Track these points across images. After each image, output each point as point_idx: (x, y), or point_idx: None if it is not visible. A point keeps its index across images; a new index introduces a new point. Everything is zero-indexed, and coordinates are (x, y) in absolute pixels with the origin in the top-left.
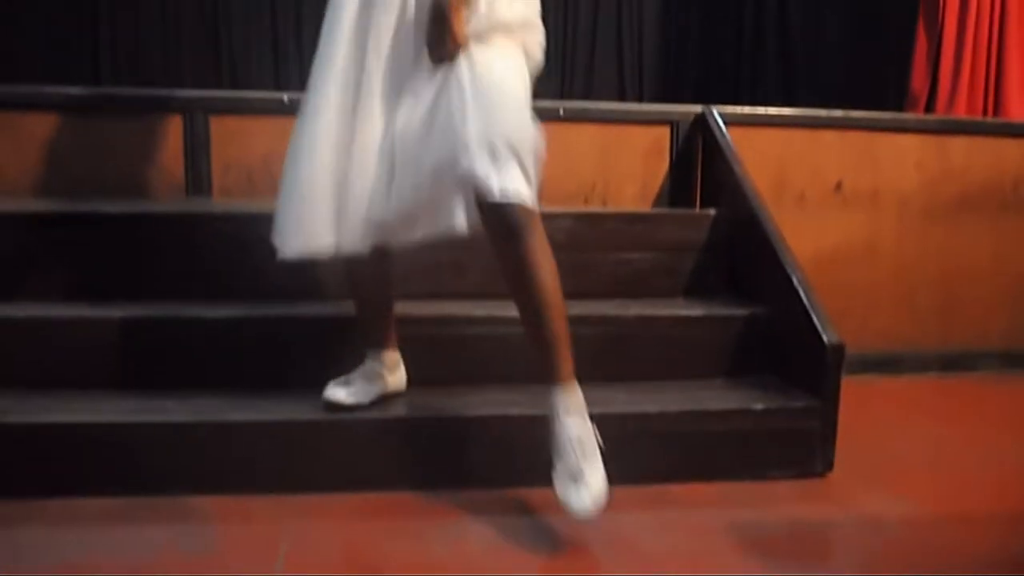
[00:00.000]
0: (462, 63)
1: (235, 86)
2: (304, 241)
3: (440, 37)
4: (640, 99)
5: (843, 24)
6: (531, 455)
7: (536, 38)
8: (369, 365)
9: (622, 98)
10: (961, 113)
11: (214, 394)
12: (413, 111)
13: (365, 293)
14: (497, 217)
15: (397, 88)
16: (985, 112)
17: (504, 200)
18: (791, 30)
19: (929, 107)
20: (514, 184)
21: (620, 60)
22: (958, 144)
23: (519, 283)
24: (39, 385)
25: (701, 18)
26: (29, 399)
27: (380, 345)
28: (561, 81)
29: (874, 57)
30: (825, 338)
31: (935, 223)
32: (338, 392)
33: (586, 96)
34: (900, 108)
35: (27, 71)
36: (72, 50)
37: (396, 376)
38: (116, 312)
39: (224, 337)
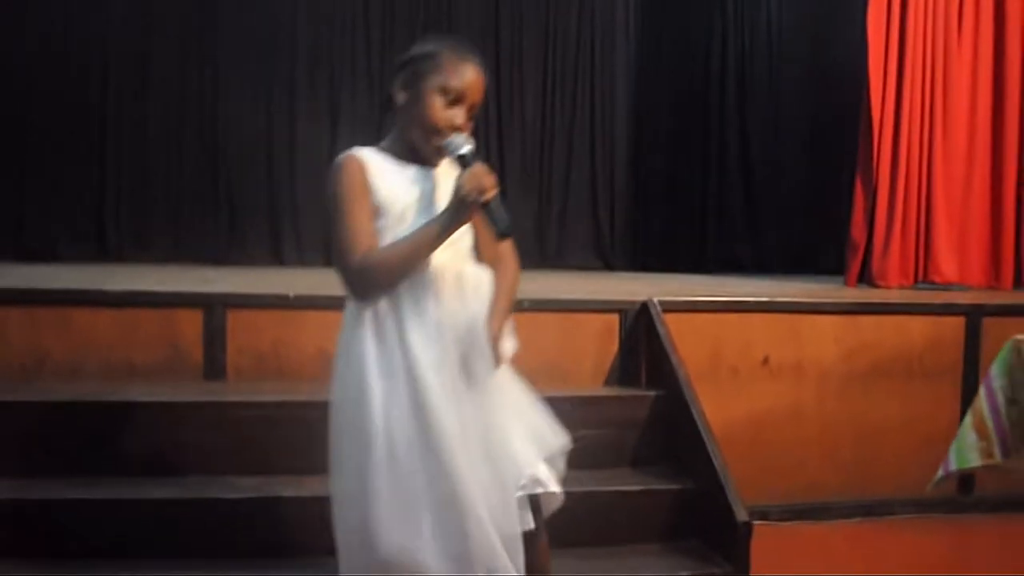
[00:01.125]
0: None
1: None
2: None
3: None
4: (612, 246)
5: (801, 166)
6: None
7: None
8: None
9: (597, 242)
10: (895, 261)
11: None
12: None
13: None
14: None
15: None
16: (917, 260)
17: None
18: (754, 174)
19: (867, 254)
20: None
21: (595, 208)
22: (869, 322)
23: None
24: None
25: (668, 161)
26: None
27: None
28: (537, 226)
29: (829, 196)
30: (737, 515)
31: (852, 389)
32: None
33: (561, 243)
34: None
35: (36, 233)
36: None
37: None
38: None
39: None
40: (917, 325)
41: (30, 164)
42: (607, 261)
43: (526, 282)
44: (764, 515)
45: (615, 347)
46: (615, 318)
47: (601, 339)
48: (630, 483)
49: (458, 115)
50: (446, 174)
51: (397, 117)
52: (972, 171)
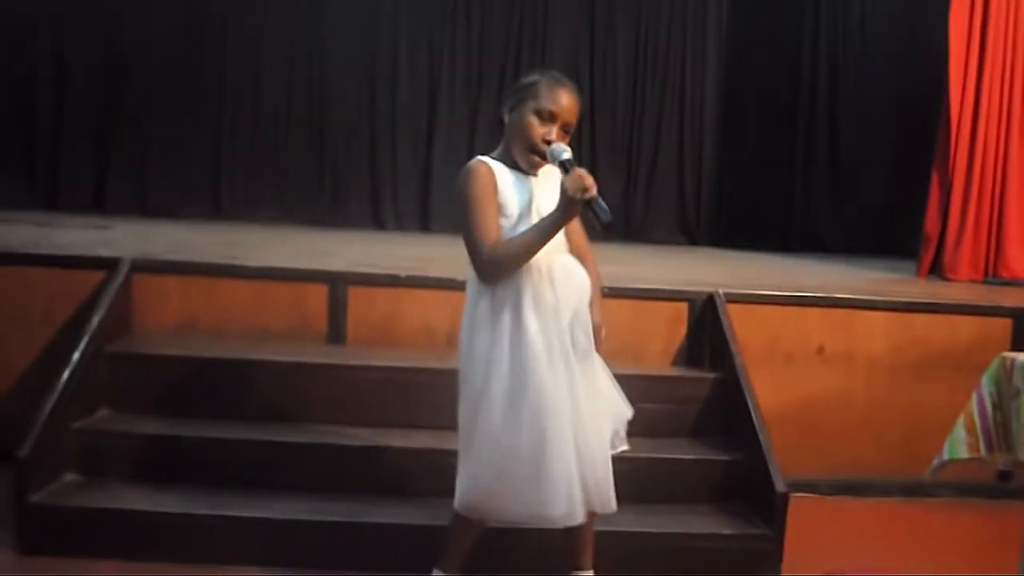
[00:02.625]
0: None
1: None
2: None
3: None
4: (697, 222)
5: (888, 153)
6: None
7: None
8: None
9: (682, 218)
10: (966, 255)
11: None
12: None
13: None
14: None
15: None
16: (987, 255)
17: None
18: (841, 158)
19: (939, 248)
20: None
21: (681, 185)
22: (920, 319)
23: None
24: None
25: (756, 142)
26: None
27: (456, 570)
28: (625, 201)
29: (914, 185)
30: (776, 486)
31: (899, 380)
32: None
33: (646, 218)
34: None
35: (160, 194)
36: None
37: None
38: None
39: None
40: (965, 324)
41: (155, 133)
42: (692, 237)
43: (611, 257)
44: (812, 487)
45: (683, 332)
46: (684, 306)
47: (671, 324)
48: (687, 452)
49: (551, 132)
50: (542, 182)
51: (505, 134)
52: None
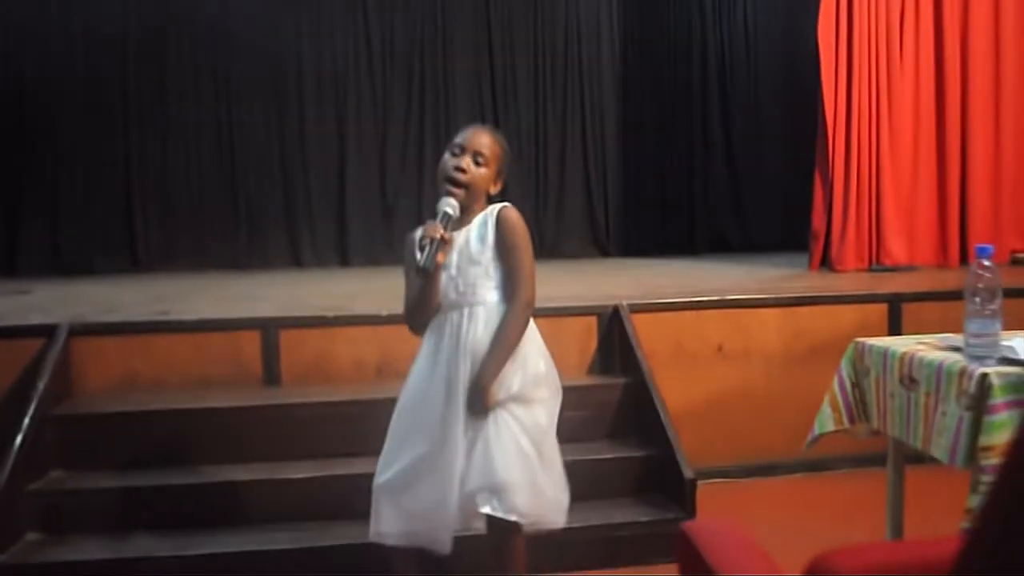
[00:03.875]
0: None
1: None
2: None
3: (479, 403)
4: (607, 235)
5: (779, 156)
6: None
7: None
8: None
9: (593, 232)
10: (851, 247)
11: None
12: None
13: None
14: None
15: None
16: (870, 245)
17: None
18: (736, 163)
19: (827, 242)
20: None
21: (589, 200)
22: (805, 312)
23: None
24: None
25: (656, 154)
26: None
27: None
28: (536, 219)
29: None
30: (684, 474)
31: (793, 369)
32: None
33: (559, 234)
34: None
35: (72, 255)
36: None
37: None
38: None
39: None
40: (846, 312)
41: (63, 189)
42: (603, 249)
43: None
44: (725, 473)
45: (594, 343)
46: (593, 319)
47: (583, 337)
48: (606, 452)
49: (462, 161)
50: (466, 231)
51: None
52: (918, 165)
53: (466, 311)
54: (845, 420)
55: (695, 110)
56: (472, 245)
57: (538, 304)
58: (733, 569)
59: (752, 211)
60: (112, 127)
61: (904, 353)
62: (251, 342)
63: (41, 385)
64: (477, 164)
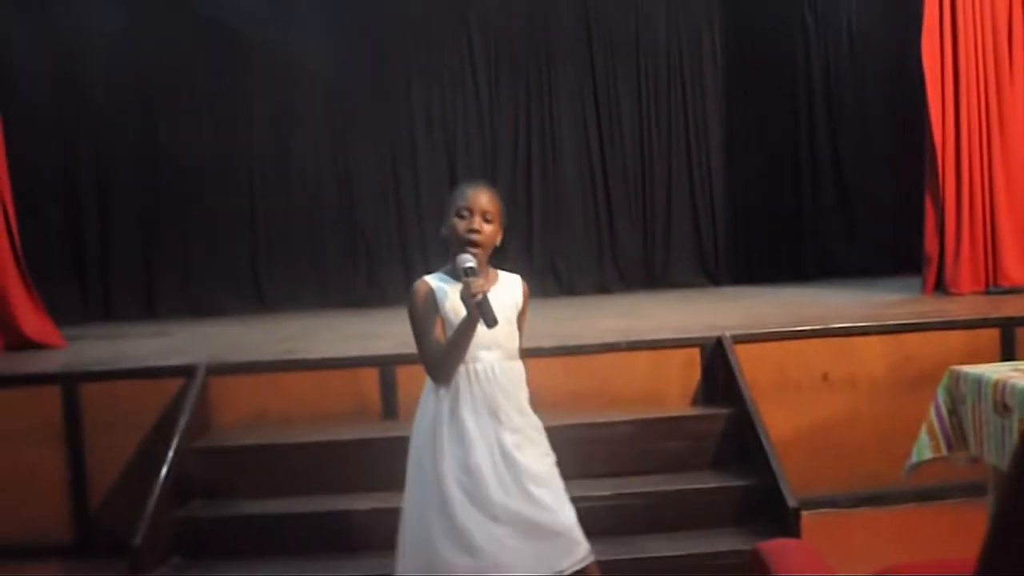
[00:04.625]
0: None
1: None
2: None
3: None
4: (715, 262)
5: (890, 178)
6: None
7: None
8: None
9: (701, 260)
10: (966, 270)
11: None
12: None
13: None
14: None
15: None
16: (986, 267)
17: None
18: (846, 185)
19: (940, 265)
20: None
21: (697, 228)
22: (912, 338)
23: None
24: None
25: (764, 178)
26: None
27: None
28: (644, 249)
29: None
30: (788, 503)
31: (900, 396)
32: None
33: (667, 263)
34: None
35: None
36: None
37: None
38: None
39: None
40: (956, 338)
41: (195, 237)
42: (712, 277)
43: (630, 309)
44: (832, 503)
45: (698, 374)
46: (696, 351)
47: (686, 368)
48: (709, 482)
49: (472, 222)
50: (496, 292)
51: (449, 245)
52: None
53: (503, 364)
54: (943, 447)
55: (802, 132)
56: (507, 305)
57: (642, 336)
58: None
59: (864, 234)
60: (236, 173)
61: (998, 380)
62: (370, 378)
63: (183, 421)
64: (487, 222)
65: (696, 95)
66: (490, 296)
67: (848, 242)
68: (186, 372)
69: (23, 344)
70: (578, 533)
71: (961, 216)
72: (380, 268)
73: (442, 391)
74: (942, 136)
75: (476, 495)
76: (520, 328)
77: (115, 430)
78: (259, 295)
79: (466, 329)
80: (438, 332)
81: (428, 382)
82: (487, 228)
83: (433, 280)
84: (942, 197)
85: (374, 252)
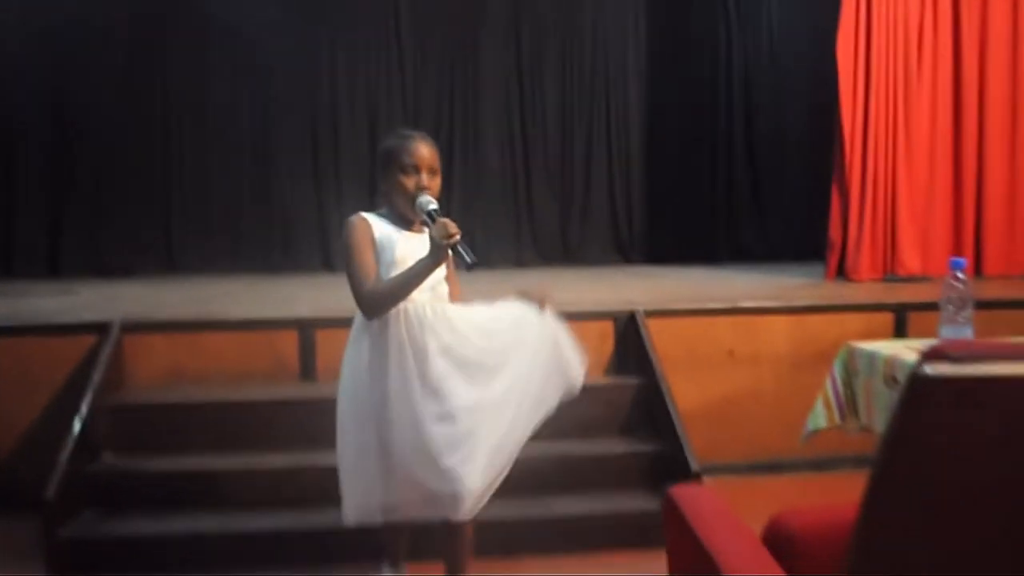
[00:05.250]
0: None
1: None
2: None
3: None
4: (630, 242)
5: (802, 167)
6: None
7: None
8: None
9: (616, 239)
10: (866, 258)
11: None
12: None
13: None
14: None
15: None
16: (885, 256)
17: None
18: (759, 174)
19: (843, 252)
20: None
21: (613, 208)
22: (814, 320)
23: None
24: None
25: (680, 164)
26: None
27: (396, 564)
28: (561, 226)
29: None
30: (691, 468)
31: (800, 373)
32: None
33: (583, 241)
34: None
35: (112, 257)
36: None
37: None
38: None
39: None
40: (854, 321)
41: (104, 195)
42: (626, 255)
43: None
44: (732, 470)
45: (611, 346)
46: (610, 324)
47: (600, 340)
48: (619, 447)
49: (421, 180)
50: (425, 239)
51: (387, 198)
52: (934, 178)
53: (437, 307)
54: (837, 416)
55: (720, 121)
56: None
57: (559, 308)
58: (704, 522)
59: (774, 221)
60: (151, 134)
61: (889, 356)
62: (289, 340)
63: (96, 377)
64: (432, 175)
65: (619, 79)
66: (421, 246)
67: (758, 229)
68: (100, 329)
69: None
70: (464, 492)
71: (864, 207)
72: (296, 236)
73: (373, 327)
74: (851, 131)
75: (387, 433)
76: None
77: (25, 386)
78: (170, 257)
79: (423, 271)
80: (374, 266)
81: (358, 320)
82: (435, 183)
83: (371, 217)
84: (848, 189)
85: (291, 219)
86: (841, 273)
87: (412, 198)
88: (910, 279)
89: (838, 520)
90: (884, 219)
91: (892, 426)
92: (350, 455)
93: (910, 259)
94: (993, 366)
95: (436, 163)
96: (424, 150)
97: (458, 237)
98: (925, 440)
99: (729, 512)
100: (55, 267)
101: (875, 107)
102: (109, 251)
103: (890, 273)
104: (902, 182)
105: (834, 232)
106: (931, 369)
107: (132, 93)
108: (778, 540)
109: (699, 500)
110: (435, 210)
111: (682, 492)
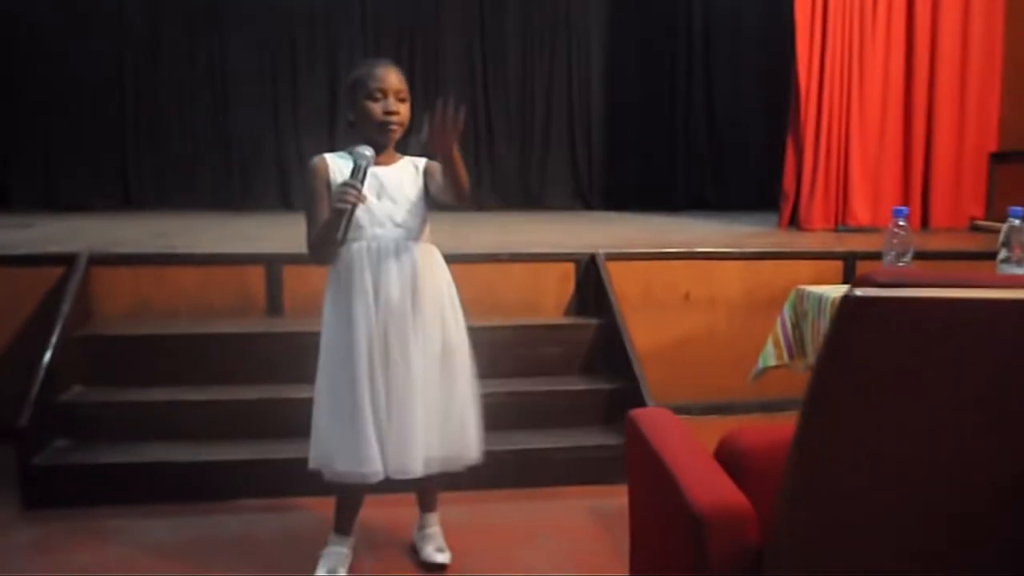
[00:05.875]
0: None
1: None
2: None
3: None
4: (590, 188)
5: (759, 118)
6: None
7: None
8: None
9: (576, 184)
10: (818, 208)
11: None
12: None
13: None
14: None
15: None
16: (837, 207)
17: None
18: (718, 124)
19: (796, 203)
20: None
21: (573, 154)
22: (766, 265)
23: None
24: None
25: (641, 110)
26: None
27: (347, 532)
28: (521, 171)
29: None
30: (648, 405)
31: (752, 317)
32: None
33: (543, 186)
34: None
35: (66, 191)
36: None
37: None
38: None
39: None
40: (804, 268)
41: (57, 129)
42: (586, 201)
43: (511, 225)
44: (686, 410)
45: (572, 287)
46: (571, 266)
47: (561, 281)
48: (579, 385)
49: (388, 105)
50: (391, 171)
51: (358, 129)
52: (885, 134)
53: (403, 243)
54: (785, 356)
55: (679, 74)
56: (406, 184)
57: (521, 249)
58: (662, 440)
59: (731, 172)
60: (106, 66)
61: (836, 298)
62: (256, 275)
63: (65, 309)
64: (400, 101)
65: (581, 29)
66: (387, 178)
67: (716, 179)
68: (66, 261)
69: None
70: (416, 463)
71: (818, 159)
72: (254, 174)
73: (340, 268)
74: (807, 86)
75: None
76: (434, 177)
77: None
78: (126, 193)
79: (336, 216)
80: (325, 211)
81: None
82: (403, 108)
83: (332, 157)
84: (802, 141)
85: (249, 157)
86: (794, 223)
87: (382, 124)
88: (860, 230)
89: (783, 439)
90: (836, 172)
91: (826, 345)
92: (324, 404)
93: (861, 211)
94: (916, 291)
95: (404, 90)
96: (391, 76)
97: (346, 207)
98: (855, 357)
99: (685, 430)
100: (6, 199)
101: (830, 63)
102: (63, 186)
103: (841, 224)
104: (855, 137)
105: (788, 183)
106: (860, 292)
107: (86, 21)
108: (729, 456)
109: (658, 420)
110: (360, 167)
111: (643, 414)
